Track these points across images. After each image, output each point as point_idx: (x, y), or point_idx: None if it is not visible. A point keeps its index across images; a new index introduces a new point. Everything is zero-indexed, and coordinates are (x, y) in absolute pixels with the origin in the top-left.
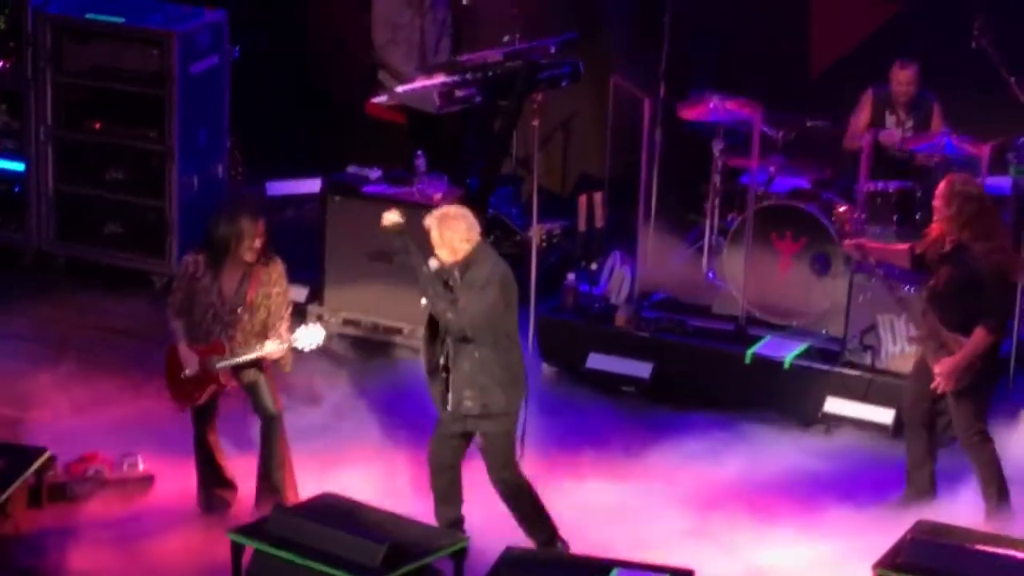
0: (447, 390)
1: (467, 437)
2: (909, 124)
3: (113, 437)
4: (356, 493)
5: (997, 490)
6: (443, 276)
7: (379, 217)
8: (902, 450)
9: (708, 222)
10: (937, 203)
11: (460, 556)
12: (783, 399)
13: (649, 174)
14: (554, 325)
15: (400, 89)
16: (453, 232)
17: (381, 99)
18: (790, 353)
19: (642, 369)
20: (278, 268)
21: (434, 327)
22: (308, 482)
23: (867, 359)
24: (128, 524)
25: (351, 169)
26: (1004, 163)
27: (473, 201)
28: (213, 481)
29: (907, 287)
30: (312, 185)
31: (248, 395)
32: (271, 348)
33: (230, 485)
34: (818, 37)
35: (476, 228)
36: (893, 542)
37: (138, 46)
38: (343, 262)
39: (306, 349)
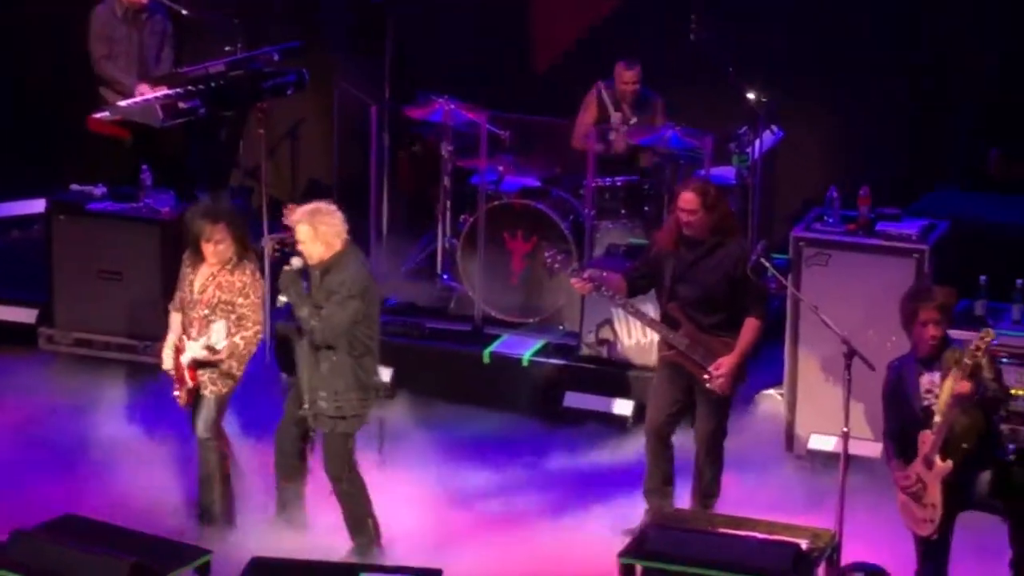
0: (302, 391)
1: (306, 430)
2: (634, 120)
3: None
4: None
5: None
6: (300, 277)
7: (106, 234)
8: (639, 439)
9: (440, 224)
10: (692, 216)
11: (205, 570)
12: (524, 396)
13: (379, 179)
14: (290, 335)
15: (123, 103)
16: (328, 227)
17: (103, 114)
18: (527, 350)
19: (382, 374)
20: (244, 279)
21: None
22: None
23: (603, 352)
24: None
25: (74, 187)
26: (726, 153)
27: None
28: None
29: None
30: (37, 205)
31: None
32: (193, 348)
33: None
34: (539, 36)
35: (346, 226)
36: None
37: None
38: (72, 281)
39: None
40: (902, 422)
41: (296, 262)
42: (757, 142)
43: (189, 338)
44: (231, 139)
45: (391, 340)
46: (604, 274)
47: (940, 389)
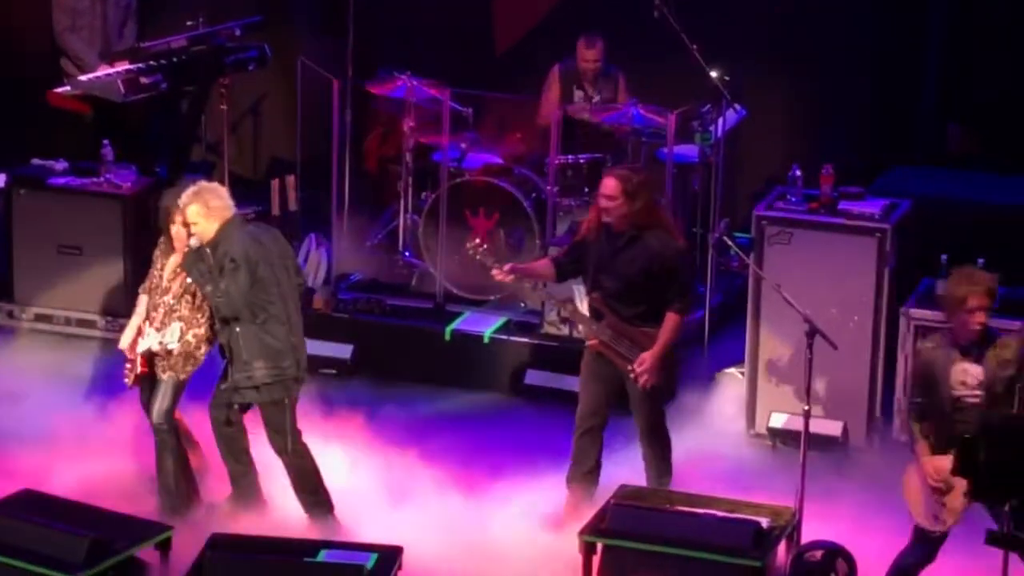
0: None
1: (241, 406)
2: (597, 98)
3: None
4: None
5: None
6: (202, 255)
7: (67, 209)
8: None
9: (402, 201)
10: (612, 202)
11: (165, 546)
12: (485, 373)
13: (340, 155)
14: None
15: (84, 78)
16: (219, 200)
17: (64, 89)
18: (489, 328)
19: (343, 351)
20: (179, 259)
21: None
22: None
23: (565, 330)
24: None
25: (35, 162)
26: (690, 131)
27: (163, 189)
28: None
29: (568, 298)
30: None
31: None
32: (149, 339)
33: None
34: (501, 13)
35: (231, 201)
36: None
37: None
38: (32, 256)
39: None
40: (929, 406)
41: (194, 242)
42: (720, 120)
43: (151, 324)
44: (193, 114)
45: (353, 317)
46: (531, 262)
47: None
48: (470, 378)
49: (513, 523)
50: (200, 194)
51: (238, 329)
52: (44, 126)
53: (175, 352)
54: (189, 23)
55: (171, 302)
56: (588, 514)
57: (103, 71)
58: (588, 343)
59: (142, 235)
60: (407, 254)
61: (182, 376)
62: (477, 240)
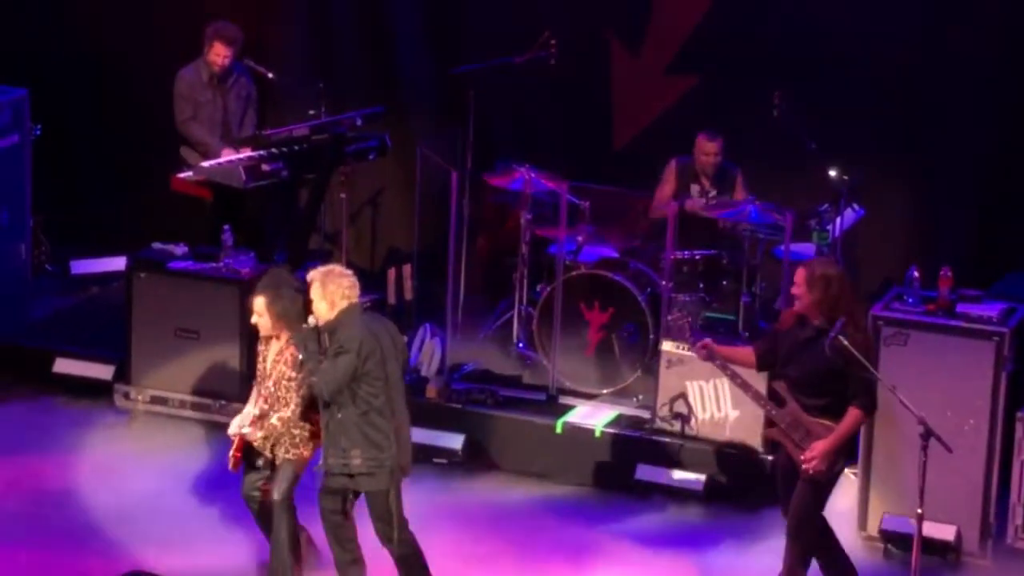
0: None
1: (346, 492)
2: (713, 193)
3: None
4: None
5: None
6: (318, 336)
7: (186, 293)
8: (713, 517)
9: (517, 292)
10: (798, 290)
11: None
12: (595, 467)
13: (457, 246)
14: None
15: (206, 164)
16: (336, 287)
17: (187, 174)
18: (600, 421)
19: (454, 440)
20: (278, 347)
21: None
22: None
23: (677, 426)
24: None
25: (156, 245)
26: (807, 229)
27: None
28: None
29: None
30: (117, 263)
31: None
32: (233, 426)
33: None
34: (620, 109)
35: (356, 289)
36: None
37: None
38: (149, 339)
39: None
40: None
41: (312, 320)
42: (838, 219)
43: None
44: (312, 203)
45: (465, 407)
46: (731, 347)
47: None
48: (580, 471)
49: None
50: (325, 276)
51: (339, 415)
52: (165, 210)
53: (258, 437)
54: (311, 112)
55: (271, 388)
56: None
57: (226, 157)
58: (765, 430)
59: None
60: (521, 345)
61: (305, 454)
62: (677, 312)
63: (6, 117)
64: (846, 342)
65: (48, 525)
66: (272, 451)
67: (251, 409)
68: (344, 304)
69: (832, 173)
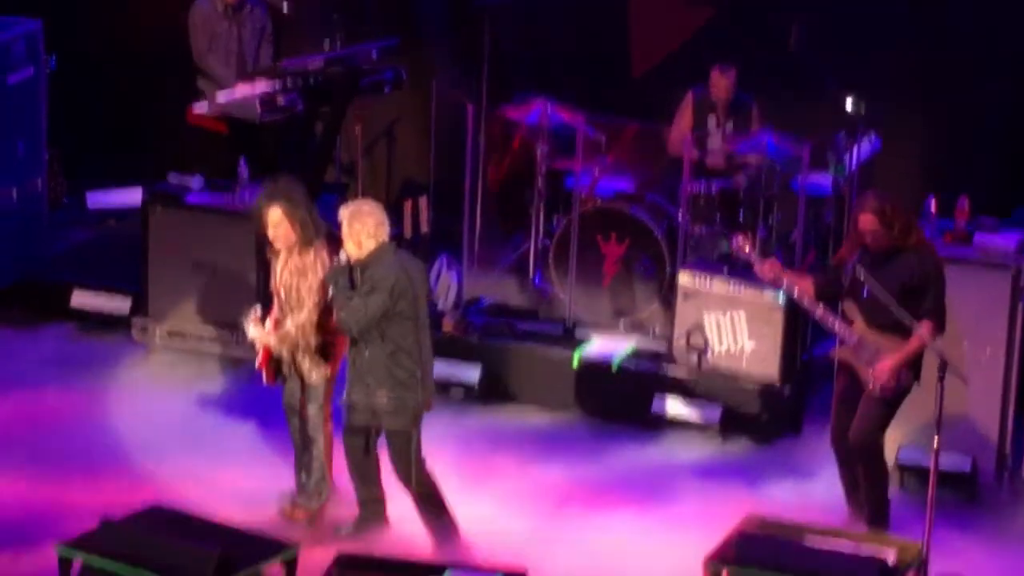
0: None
1: (372, 431)
2: (729, 125)
3: None
4: None
5: (881, 500)
6: (350, 272)
7: (202, 226)
8: (730, 447)
9: (533, 226)
10: (875, 237)
11: (292, 564)
12: (612, 400)
13: (473, 178)
14: None
15: (221, 97)
16: (362, 225)
17: (202, 107)
18: (617, 354)
19: (471, 373)
20: (306, 260)
21: None
22: None
23: (694, 358)
24: None
25: (172, 178)
26: (824, 161)
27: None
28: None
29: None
30: (133, 196)
31: None
32: (252, 332)
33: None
34: (637, 41)
35: (385, 226)
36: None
37: None
38: (166, 272)
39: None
40: None
41: (343, 256)
42: (854, 150)
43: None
44: (328, 136)
45: (482, 340)
46: (793, 274)
47: None
48: (597, 403)
49: (636, 549)
50: (353, 214)
51: (366, 353)
52: (181, 143)
53: (273, 343)
54: (326, 45)
55: (282, 298)
56: None
57: (241, 90)
58: (834, 352)
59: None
60: (537, 278)
61: (327, 372)
62: (740, 235)
63: (20, 50)
64: (865, 272)
65: (68, 457)
66: (294, 360)
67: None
68: (372, 243)
69: (849, 104)
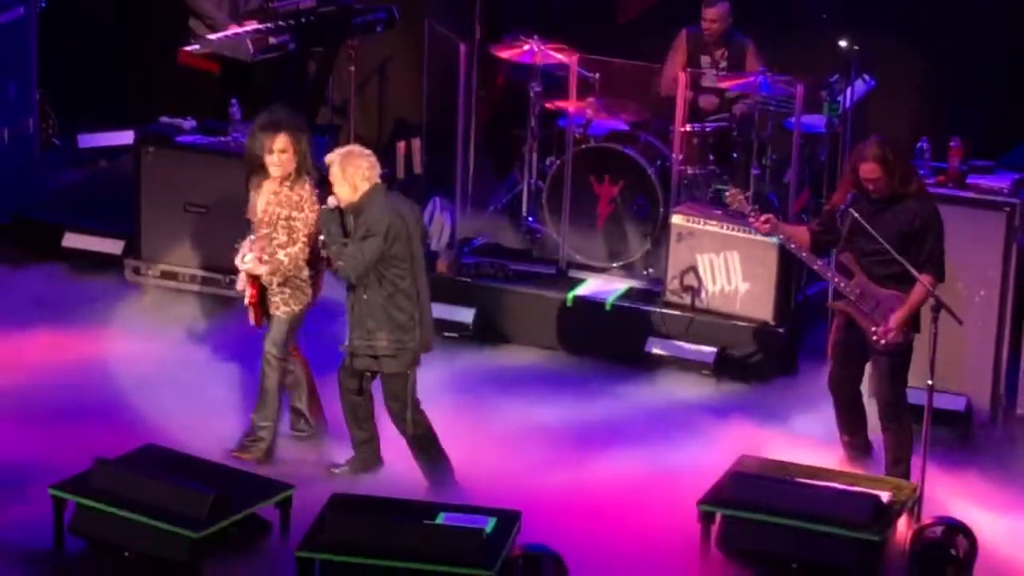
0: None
1: (367, 372)
2: (723, 64)
3: None
4: None
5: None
6: (341, 217)
7: (194, 167)
8: (724, 388)
9: (527, 166)
10: (876, 182)
11: (286, 505)
12: (606, 340)
13: (466, 118)
14: None
15: (213, 37)
16: (356, 168)
17: (193, 47)
18: (611, 295)
19: (464, 314)
20: (302, 192)
21: None
22: None
23: (687, 299)
24: None
25: (164, 119)
26: (818, 101)
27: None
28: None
29: (821, 259)
30: (125, 136)
31: None
32: (246, 263)
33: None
34: None
35: (377, 169)
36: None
37: None
38: (159, 213)
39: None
40: None
41: (332, 201)
42: (849, 91)
43: (250, 250)
44: (320, 75)
45: (476, 281)
46: (788, 224)
47: None
48: (591, 344)
49: (630, 489)
50: (344, 158)
51: (365, 296)
52: (173, 83)
53: (265, 272)
54: None
55: (266, 231)
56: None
57: (232, 30)
58: (831, 303)
59: None
60: (531, 219)
61: (296, 308)
62: (735, 188)
63: None
64: (857, 213)
65: (60, 398)
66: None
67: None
68: (365, 186)
69: (843, 44)
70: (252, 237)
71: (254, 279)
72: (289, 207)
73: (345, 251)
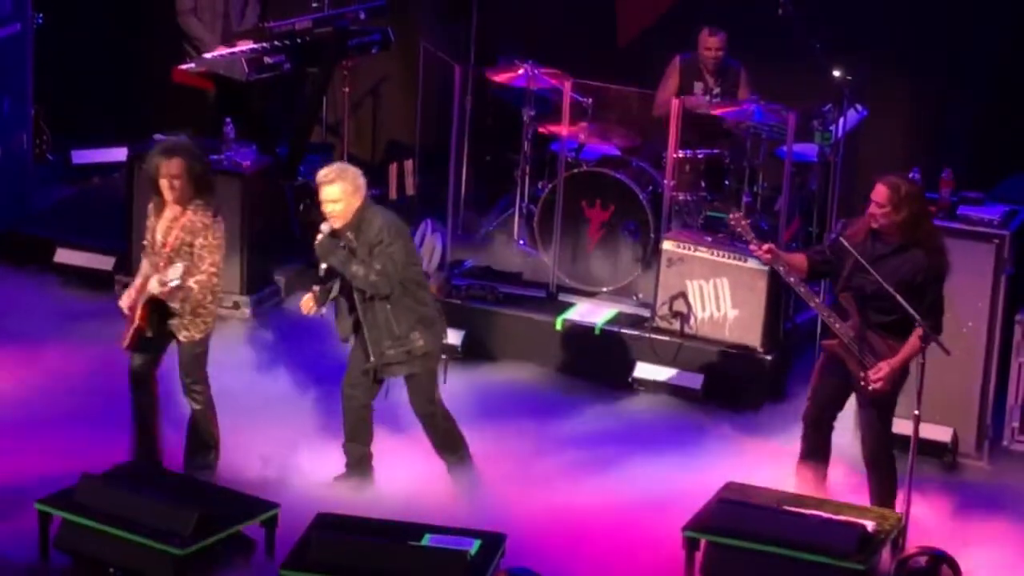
0: (367, 345)
1: (381, 381)
2: (716, 91)
3: None
4: None
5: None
6: (340, 241)
7: None
8: (711, 415)
9: (519, 189)
10: (880, 210)
11: (271, 524)
12: (594, 364)
13: (459, 141)
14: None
15: (209, 56)
16: (350, 183)
17: (189, 66)
18: (600, 319)
19: (454, 336)
20: (204, 220)
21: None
22: None
23: (676, 325)
24: None
25: (157, 137)
26: (810, 130)
27: (283, 169)
28: (143, 449)
29: (818, 294)
30: (118, 153)
31: None
32: (151, 286)
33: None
34: (625, 5)
35: (365, 183)
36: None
37: None
38: None
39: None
40: None
41: (326, 227)
42: (841, 120)
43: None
44: (315, 96)
45: (466, 303)
46: (787, 252)
47: None
48: (579, 368)
49: (615, 514)
50: (342, 175)
51: (389, 306)
52: (168, 102)
53: (176, 295)
54: (314, 4)
55: (169, 256)
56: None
57: (227, 50)
58: (823, 341)
59: (261, 213)
60: (522, 243)
61: (196, 335)
62: (738, 213)
63: (8, 6)
64: (847, 243)
65: (48, 413)
66: (164, 324)
67: (138, 282)
68: (357, 202)
69: (835, 73)
70: (179, 265)
71: (149, 303)
72: (190, 233)
73: (374, 267)
